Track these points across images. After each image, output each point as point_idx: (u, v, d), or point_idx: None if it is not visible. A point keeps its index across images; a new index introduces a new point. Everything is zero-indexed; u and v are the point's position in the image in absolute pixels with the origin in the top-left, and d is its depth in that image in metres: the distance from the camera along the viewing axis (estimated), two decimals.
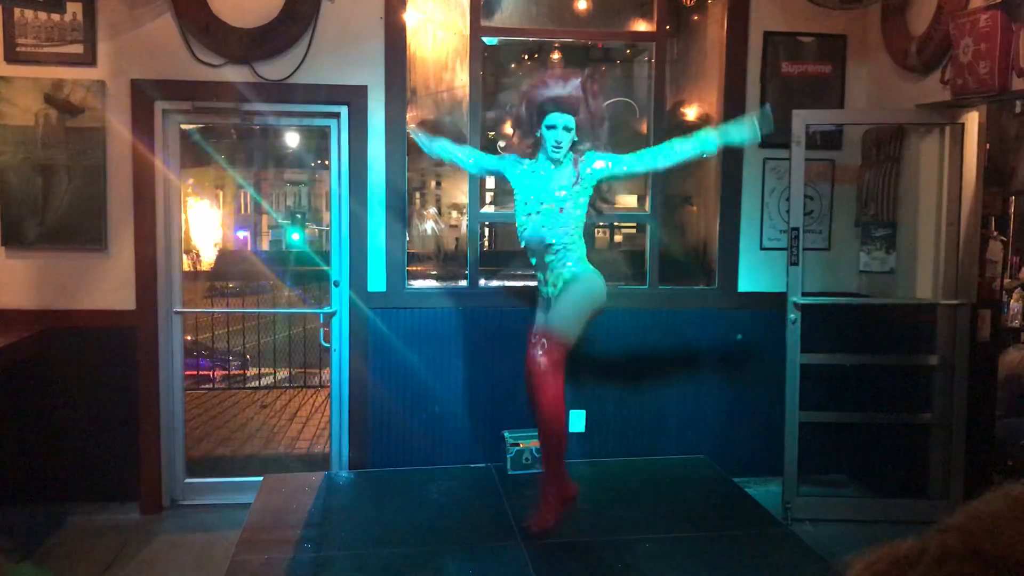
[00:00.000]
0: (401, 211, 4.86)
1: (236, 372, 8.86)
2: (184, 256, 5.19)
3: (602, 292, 3.79)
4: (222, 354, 9.04)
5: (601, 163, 3.73)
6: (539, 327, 3.75)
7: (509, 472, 4.61)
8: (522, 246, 3.87)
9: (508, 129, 4.15)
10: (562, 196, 3.70)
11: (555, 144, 3.66)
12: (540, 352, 3.59)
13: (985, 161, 4.43)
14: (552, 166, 3.74)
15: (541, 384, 3.57)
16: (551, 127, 3.65)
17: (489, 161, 4.15)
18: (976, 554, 0.56)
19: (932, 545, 0.59)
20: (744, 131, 3.74)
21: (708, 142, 3.78)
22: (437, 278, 5.53)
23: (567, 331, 3.67)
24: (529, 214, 3.76)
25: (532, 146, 3.82)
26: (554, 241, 3.71)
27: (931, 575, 0.57)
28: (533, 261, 3.83)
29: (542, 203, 3.72)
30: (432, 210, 6.31)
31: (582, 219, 3.78)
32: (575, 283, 3.72)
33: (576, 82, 3.70)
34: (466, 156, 4.13)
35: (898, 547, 0.61)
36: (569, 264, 3.74)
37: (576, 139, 3.72)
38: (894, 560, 0.60)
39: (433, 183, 6.54)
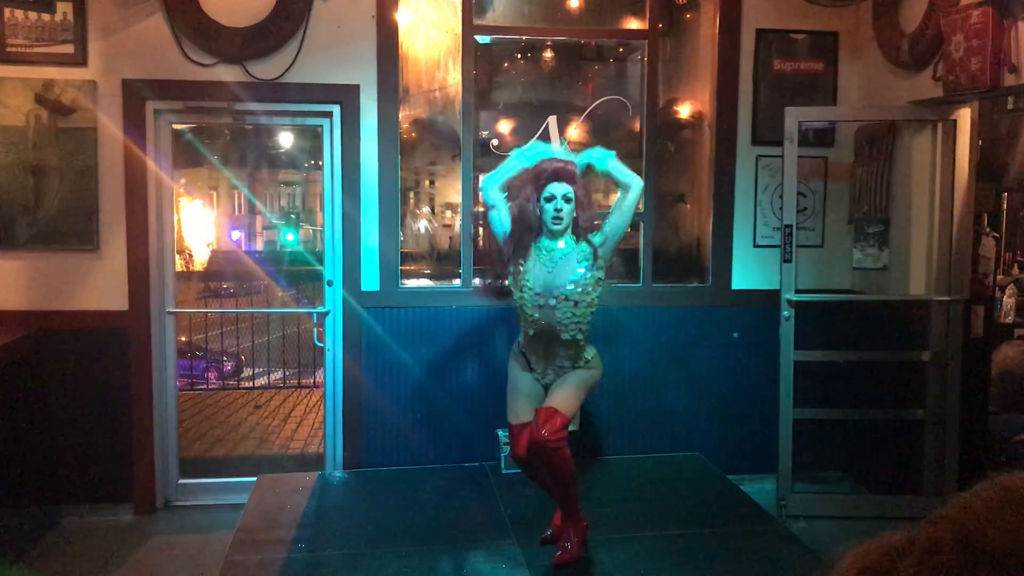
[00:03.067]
0: (394, 210, 4.85)
1: (230, 376, 8.84)
2: (177, 256, 5.18)
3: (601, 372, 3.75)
4: (216, 354, 9.02)
5: (598, 229, 3.61)
6: (545, 407, 3.49)
7: (503, 471, 4.61)
8: (527, 331, 3.63)
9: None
10: (577, 288, 3.50)
11: (555, 213, 3.50)
12: (547, 431, 3.38)
13: (977, 157, 4.44)
14: (557, 249, 3.55)
15: (561, 457, 3.44)
16: (550, 198, 3.52)
17: (508, 220, 3.69)
18: (965, 545, 0.56)
19: (922, 536, 0.59)
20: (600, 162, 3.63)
21: (620, 176, 3.63)
22: (431, 277, 5.52)
23: (574, 410, 3.60)
24: (542, 307, 3.52)
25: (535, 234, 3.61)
26: (570, 336, 3.55)
27: (921, 566, 0.57)
28: (531, 332, 3.59)
29: (557, 295, 3.49)
30: (425, 209, 6.29)
31: (592, 307, 3.60)
32: (588, 368, 3.64)
33: (571, 163, 3.59)
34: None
35: (888, 539, 0.61)
36: (582, 354, 3.63)
37: (575, 215, 3.55)
38: (884, 552, 0.60)
39: (427, 182, 6.52)
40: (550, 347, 3.58)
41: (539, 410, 3.47)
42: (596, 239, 3.59)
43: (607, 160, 3.61)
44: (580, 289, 3.50)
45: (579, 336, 3.56)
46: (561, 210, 3.51)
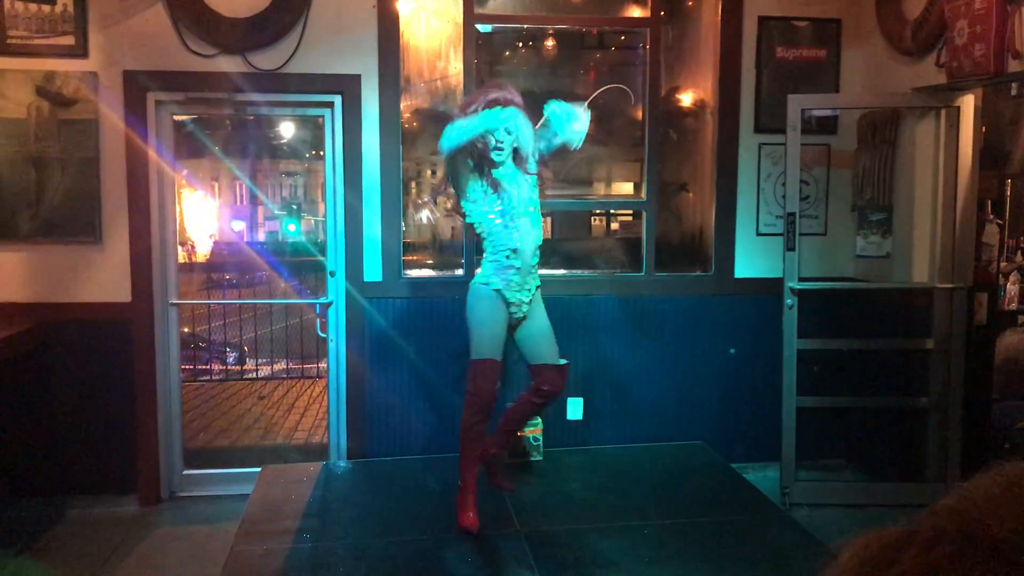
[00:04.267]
0: (396, 200, 4.84)
1: (233, 367, 8.85)
2: (179, 248, 5.18)
3: None
4: (219, 345, 9.03)
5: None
6: (551, 358, 3.80)
7: (507, 460, 4.61)
8: (509, 251, 3.69)
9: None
10: (535, 198, 3.77)
11: (496, 144, 3.60)
12: (564, 375, 3.82)
13: (981, 144, 4.43)
14: (509, 170, 3.72)
15: (560, 393, 3.88)
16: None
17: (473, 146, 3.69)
18: (967, 536, 0.56)
19: (924, 527, 0.59)
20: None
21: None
22: (433, 267, 5.52)
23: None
24: (521, 217, 3.68)
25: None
26: (540, 245, 3.80)
27: (922, 558, 0.57)
28: (518, 264, 3.69)
29: (529, 206, 3.72)
30: (427, 199, 6.29)
31: None
32: (540, 297, 3.87)
33: (515, 94, 3.70)
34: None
35: (889, 531, 0.61)
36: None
37: (517, 146, 3.68)
38: (885, 543, 0.60)
39: (428, 172, 6.51)
40: (530, 266, 3.74)
41: (559, 368, 3.79)
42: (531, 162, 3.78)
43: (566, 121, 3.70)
44: (535, 198, 3.76)
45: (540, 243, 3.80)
46: (502, 141, 3.63)
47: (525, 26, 5.46)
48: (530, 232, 3.70)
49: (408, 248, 4.99)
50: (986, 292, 4.56)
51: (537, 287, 3.82)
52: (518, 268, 3.69)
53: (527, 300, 3.77)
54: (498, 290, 3.70)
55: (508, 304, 3.73)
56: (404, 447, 4.87)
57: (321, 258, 5.12)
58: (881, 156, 4.82)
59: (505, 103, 3.61)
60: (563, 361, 3.81)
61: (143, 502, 4.75)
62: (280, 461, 5.23)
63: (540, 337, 3.81)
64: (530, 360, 3.83)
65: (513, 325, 3.79)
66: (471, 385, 3.71)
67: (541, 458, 4.61)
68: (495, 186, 3.67)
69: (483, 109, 3.58)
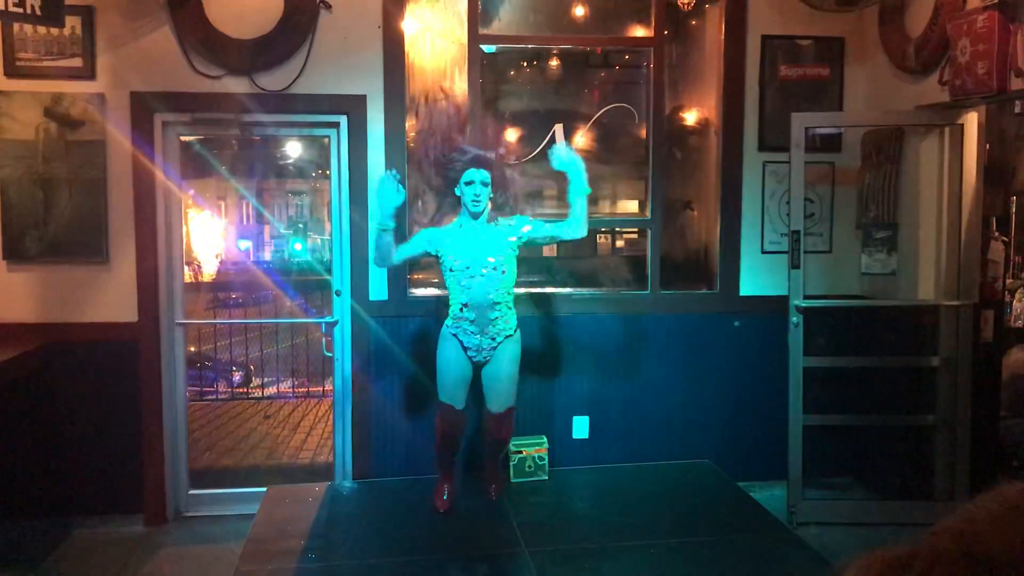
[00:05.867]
0: (402, 219, 4.85)
1: (239, 387, 8.85)
2: (186, 267, 5.20)
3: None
4: (225, 365, 9.03)
5: (528, 227, 4.02)
6: (493, 406, 4.12)
7: (512, 480, 4.60)
8: (460, 305, 3.99)
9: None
10: (502, 259, 3.95)
11: (474, 197, 3.92)
12: (503, 426, 4.14)
13: (985, 161, 4.43)
14: (477, 226, 3.98)
15: (507, 439, 4.28)
16: (470, 183, 3.93)
17: (417, 246, 4.08)
18: (969, 556, 0.56)
19: (925, 547, 0.59)
20: (577, 190, 3.99)
21: (578, 215, 4.00)
22: (439, 286, 5.52)
23: (514, 395, 4.15)
24: (473, 276, 3.92)
25: (446, 208, 4.13)
26: (500, 300, 3.98)
27: None
28: (471, 316, 3.96)
29: (483, 267, 3.92)
30: (432, 219, 6.30)
31: (515, 276, 4.06)
32: (514, 344, 4.06)
33: (489, 150, 4.04)
34: (395, 256, 4.06)
35: (891, 551, 0.61)
36: (509, 321, 4.05)
37: (491, 195, 3.99)
38: (888, 564, 0.60)
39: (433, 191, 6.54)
40: (486, 316, 3.96)
41: (496, 417, 4.11)
42: (521, 223, 4.03)
43: (583, 191, 3.99)
44: (504, 259, 3.95)
45: (508, 300, 4.02)
46: (479, 194, 3.93)
47: (529, 46, 5.49)
48: (485, 289, 3.92)
49: (413, 267, 5.00)
50: (992, 309, 4.55)
51: (507, 336, 4.02)
52: (472, 320, 3.96)
53: (488, 347, 4.01)
54: (455, 334, 4.02)
55: (465, 348, 4.01)
56: (410, 467, 4.86)
57: (327, 277, 5.14)
58: (885, 174, 4.83)
59: (478, 162, 3.94)
60: (502, 409, 4.09)
61: (149, 522, 4.74)
62: (286, 481, 5.22)
63: (494, 382, 4.07)
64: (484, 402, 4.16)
65: (477, 367, 4.07)
66: (436, 418, 4.13)
67: (547, 477, 4.60)
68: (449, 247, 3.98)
69: (460, 170, 3.94)
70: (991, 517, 0.58)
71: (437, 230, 4.07)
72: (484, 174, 3.94)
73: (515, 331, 4.07)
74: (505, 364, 4.04)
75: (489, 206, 4.01)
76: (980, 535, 0.57)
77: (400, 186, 3.95)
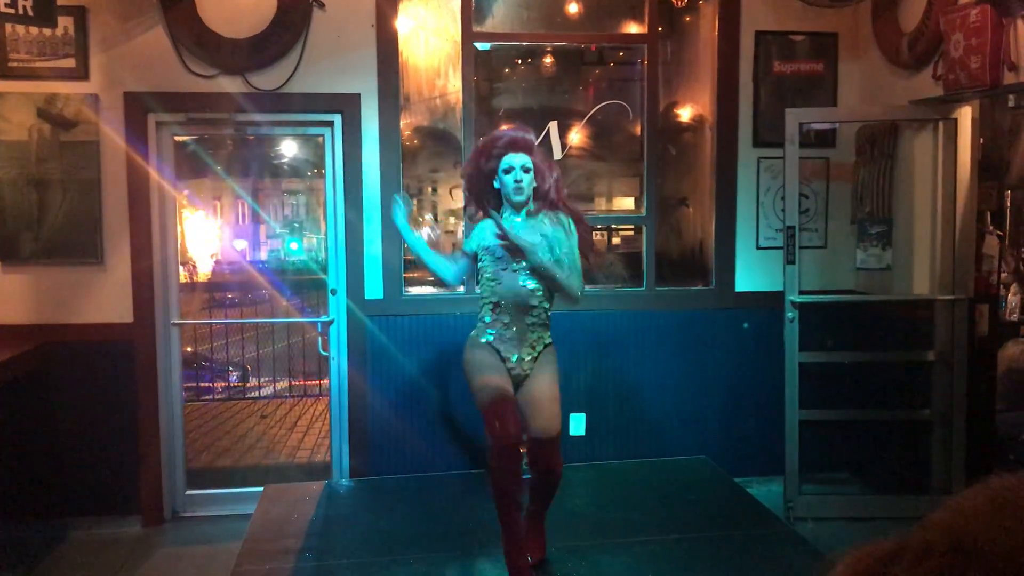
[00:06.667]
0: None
1: (236, 385, 8.84)
2: (181, 267, 5.20)
3: None
4: (221, 364, 9.03)
5: (570, 234, 3.51)
6: (539, 429, 3.33)
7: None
8: (492, 305, 3.48)
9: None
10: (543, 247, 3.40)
11: (516, 184, 3.41)
12: (554, 454, 3.36)
13: (979, 156, 4.44)
14: (520, 217, 3.47)
15: (558, 471, 3.41)
16: (508, 169, 3.43)
17: (468, 247, 3.62)
18: (957, 549, 0.56)
19: (913, 541, 0.59)
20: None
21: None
22: (434, 284, 5.52)
23: (560, 415, 3.45)
24: (504, 269, 3.42)
25: (492, 204, 3.56)
26: (536, 304, 3.43)
27: (913, 571, 0.57)
28: (506, 320, 3.44)
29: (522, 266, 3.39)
30: (428, 216, 6.30)
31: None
32: (553, 355, 3.52)
33: (526, 131, 3.56)
34: (449, 269, 3.64)
35: (880, 544, 0.61)
36: (548, 327, 3.53)
37: (536, 184, 3.48)
38: (877, 557, 0.60)
39: (429, 189, 6.54)
40: (521, 322, 3.43)
41: (543, 443, 3.33)
42: (567, 226, 3.49)
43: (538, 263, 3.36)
44: (548, 247, 3.39)
45: (547, 306, 3.48)
46: (521, 180, 3.42)
47: (523, 43, 5.48)
48: (517, 282, 3.41)
49: (409, 265, 5.00)
50: (987, 303, 4.56)
51: (546, 344, 3.51)
52: (506, 323, 3.45)
53: (529, 358, 3.47)
54: (490, 342, 3.48)
55: (504, 359, 3.46)
56: (407, 465, 4.86)
57: (323, 276, 5.13)
58: (880, 169, 4.84)
59: (516, 145, 3.46)
60: (552, 432, 3.34)
61: (146, 522, 4.74)
62: (283, 480, 5.21)
63: (539, 398, 3.39)
64: (525, 429, 3.37)
65: (516, 382, 3.46)
66: (489, 432, 3.31)
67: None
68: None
69: (497, 157, 3.46)
70: (980, 510, 0.59)
71: (479, 224, 3.63)
72: (524, 158, 3.43)
73: (551, 340, 3.56)
74: (548, 378, 3.43)
75: (532, 196, 3.49)
76: (969, 528, 0.57)
77: (408, 198, 3.63)
